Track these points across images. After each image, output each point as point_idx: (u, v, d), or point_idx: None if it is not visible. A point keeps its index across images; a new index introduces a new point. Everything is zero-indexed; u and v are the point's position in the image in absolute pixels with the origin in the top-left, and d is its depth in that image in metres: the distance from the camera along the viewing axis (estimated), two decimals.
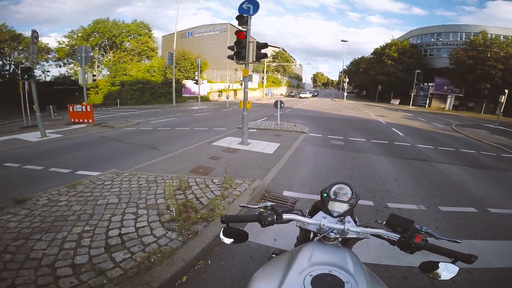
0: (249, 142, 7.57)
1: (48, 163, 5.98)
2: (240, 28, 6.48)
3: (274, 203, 1.22)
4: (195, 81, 23.57)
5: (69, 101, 17.83)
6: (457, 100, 34.77)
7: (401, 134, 11.42)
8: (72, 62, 34.47)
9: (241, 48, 6.37)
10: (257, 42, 6.68)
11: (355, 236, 1.13)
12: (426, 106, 36.11)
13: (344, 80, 46.89)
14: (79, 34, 35.52)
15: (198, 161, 5.81)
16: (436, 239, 1.04)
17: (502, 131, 14.80)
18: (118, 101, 28.83)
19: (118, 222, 2.99)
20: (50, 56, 34.88)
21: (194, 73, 25.11)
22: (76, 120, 12.62)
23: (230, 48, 6.67)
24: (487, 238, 3.18)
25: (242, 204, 1.32)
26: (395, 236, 1.07)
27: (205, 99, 31.61)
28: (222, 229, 1.11)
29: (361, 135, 10.29)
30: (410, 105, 35.44)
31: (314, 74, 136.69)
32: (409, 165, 6.44)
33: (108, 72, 36.14)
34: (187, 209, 3.35)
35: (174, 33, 26.77)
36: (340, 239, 1.16)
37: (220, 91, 34.41)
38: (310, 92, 51.46)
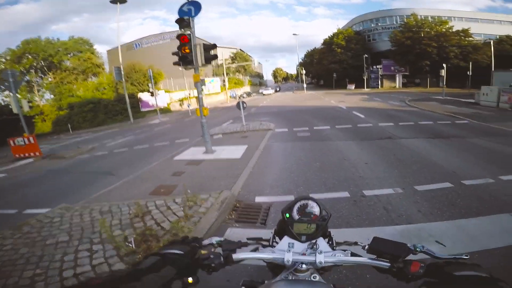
0: (214, 150, 7.10)
1: None
2: (182, 31, 5.99)
3: (223, 239, 0.88)
4: (150, 93, 22.31)
5: (13, 134, 15.60)
6: (404, 78, 37.73)
7: (362, 116, 11.79)
8: (5, 89, 30.51)
9: (187, 53, 5.89)
10: (204, 44, 6.24)
11: (331, 265, 0.84)
12: (379, 87, 38.56)
13: (302, 72, 48.11)
14: (8, 58, 31.41)
15: (159, 181, 5.24)
16: (436, 259, 0.76)
17: (450, 101, 16.17)
18: (69, 126, 26.21)
19: (71, 261, 2.73)
20: None
21: (149, 85, 23.68)
22: (21, 155, 11.08)
23: (175, 54, 6.14)
24: (472, 215, 3.05)
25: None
26: (384, 265, 0.77)
27: (166, 110, 30.14)
28: None
29: (325, 123, 10.39)
30: (365, 88, 37.51)
31: (274, 70, 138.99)
32: (376, 146, 6.51)
33: (52, 96, 32.64)
34: (147, 237, 2.99)
35: (119, 46, 25.05)
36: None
37: (181, 100, 33.11)
38: (272, 88, 52.03)
